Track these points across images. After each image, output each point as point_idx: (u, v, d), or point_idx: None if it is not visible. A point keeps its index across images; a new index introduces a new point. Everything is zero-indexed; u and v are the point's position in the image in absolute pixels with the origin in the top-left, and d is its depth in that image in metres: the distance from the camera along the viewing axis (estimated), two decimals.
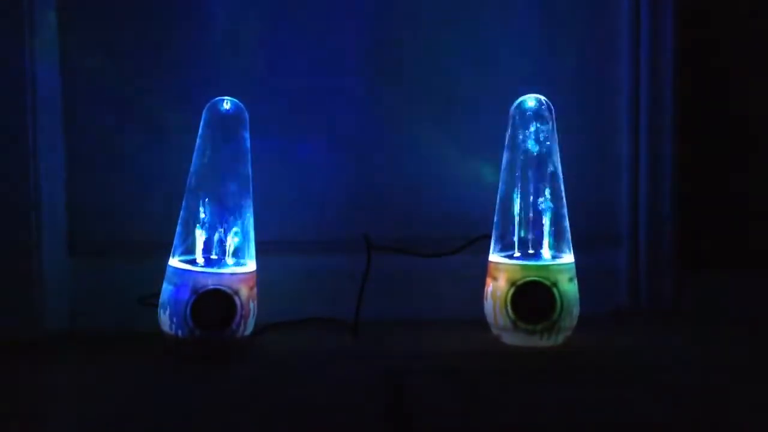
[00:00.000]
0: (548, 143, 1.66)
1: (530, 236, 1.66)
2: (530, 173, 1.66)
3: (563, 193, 1.66)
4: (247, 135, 1.64)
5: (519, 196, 1.66)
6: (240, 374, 1.52)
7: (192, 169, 1.62)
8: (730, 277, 1.84)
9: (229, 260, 1.61)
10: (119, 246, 1.75)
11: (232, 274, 1.59)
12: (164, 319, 1.57)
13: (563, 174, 1.66)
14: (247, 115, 1.64)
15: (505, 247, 1.67)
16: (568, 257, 1.65)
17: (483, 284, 1.66)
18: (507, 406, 1.37)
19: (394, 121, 1.81)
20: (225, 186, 1.62)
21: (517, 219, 1.66)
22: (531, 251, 1.66)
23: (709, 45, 1.88)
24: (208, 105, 1.63)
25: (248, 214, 1.63)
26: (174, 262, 1.60)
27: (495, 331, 1.66)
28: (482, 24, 1.82)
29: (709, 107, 1.88)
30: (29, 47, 1.66)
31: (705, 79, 1.87)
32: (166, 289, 1.58)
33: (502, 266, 1.64)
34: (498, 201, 1.68)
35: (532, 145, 1.66)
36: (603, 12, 1.84)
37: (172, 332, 1.57)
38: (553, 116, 1.67)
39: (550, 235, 1.66)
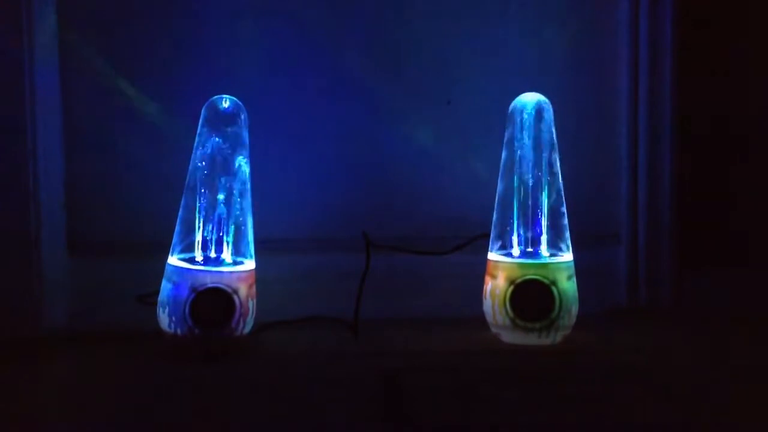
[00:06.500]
0: (547, 141, 1.66)
1: (529, 234, 1.66)
2: (529, 171, 1.66)
3: (562, 191, 1.66)
4: (245, 133, 1.63)
5: (518, 194, 1.66)
6: (239, 373, 1.52)
7: (191, 167, 1.62)
8: (729, 276, 1.84)
9: (228, 258, 1.61)
10: (118, 244, 1.75)
11: (231, 272, 1.59)
12: (163, 317, 1.57)
13: (562, 172, 1.66)
14: (245, 113, 1.63)
15: (504, 245, 1.67)
16: (567, 255, 1.65)
17: (482, 283, 1.66)
18: (505, 405, 1.37)
19: (393, 119, 1.81)
20: (224, 184, 1.62)
21: (516, 217, 1.66)
22: (530, 250, 1.66)
23: (708, 42, 1.87)
24: (206, 103, 1.63)
25: (247, 213, 1.62)
26: (173, 260, 1.59)
27: (494, 330, 1.66)
28: (482, 22, 1.82)
29: (708, 105, 1.88)
30: (28, 45, 1.66)
31: (704, 76, 1.87)
32: (165, 287, 1.58)
33: (501, 264, 1.64)
34: (497, 199, 1.68)
35: (530, 143, 1.66)
36: (602, 10, 1.84)
37: (171, 330, 1.57)
38: (552, 114, 1.67)
39: (548, 233, 1.65)
